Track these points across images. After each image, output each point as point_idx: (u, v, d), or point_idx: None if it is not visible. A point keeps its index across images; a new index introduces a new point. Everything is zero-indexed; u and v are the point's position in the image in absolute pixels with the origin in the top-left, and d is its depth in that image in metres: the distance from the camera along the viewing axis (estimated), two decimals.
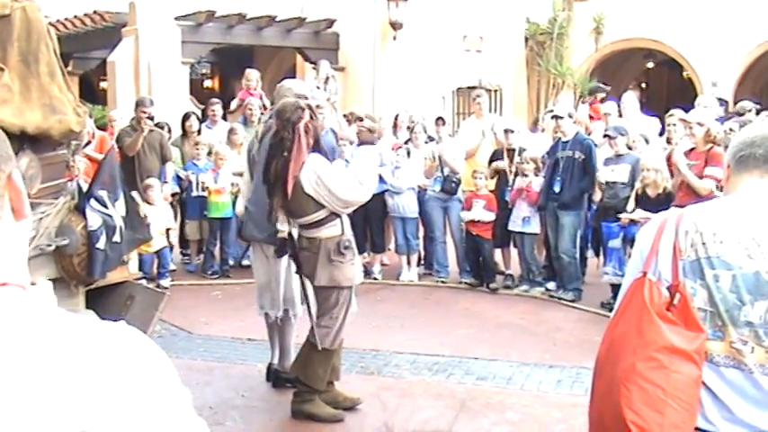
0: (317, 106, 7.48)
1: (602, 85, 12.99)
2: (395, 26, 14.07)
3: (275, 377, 5.69)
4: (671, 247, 2.08)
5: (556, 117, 8.43)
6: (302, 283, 5.18)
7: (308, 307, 5.15)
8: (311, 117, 4.93)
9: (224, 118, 10.54)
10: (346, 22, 14.45)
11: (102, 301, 4.06)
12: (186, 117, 9.97)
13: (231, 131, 9.53)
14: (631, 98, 10.12)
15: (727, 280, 2.02)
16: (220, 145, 9.35)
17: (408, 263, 9.19)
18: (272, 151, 4.91)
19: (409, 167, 8.96)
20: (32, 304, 1.00)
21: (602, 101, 11.49)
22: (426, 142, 9.43)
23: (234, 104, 10.79)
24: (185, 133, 9.86)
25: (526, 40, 15.91)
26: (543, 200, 8.20)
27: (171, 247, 9.21)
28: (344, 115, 10.21)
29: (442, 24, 14.14)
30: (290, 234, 5.01)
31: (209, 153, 9.38)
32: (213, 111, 10.29)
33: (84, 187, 3.98)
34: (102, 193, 3.80)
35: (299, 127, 4.82)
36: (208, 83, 19.58)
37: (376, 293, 8.56)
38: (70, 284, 3.79)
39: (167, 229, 8.76)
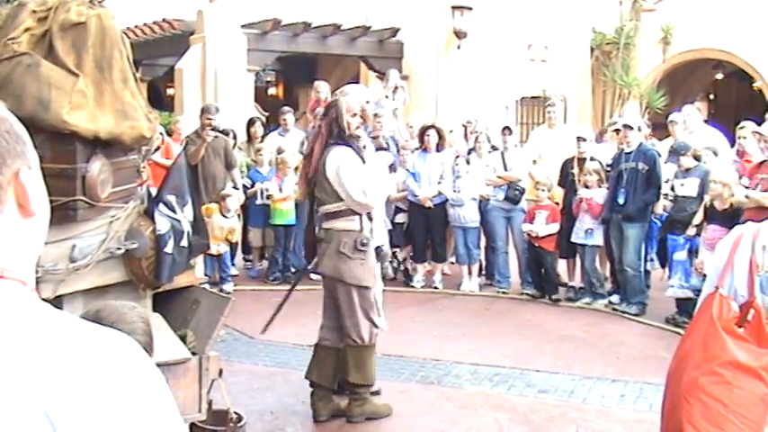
0: (375, 115, 7.53)
1: None
2: (459, 35, 14.04)
3: None
4: (747, 262, 2.03)
5: (625, 127, 8.26)
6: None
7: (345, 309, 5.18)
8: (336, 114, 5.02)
9: None
10: (411, 30, 14.47)
11: (169, 304, 4.12)
12: (251, 123, 10.08)
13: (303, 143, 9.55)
14: (692, 111, 9.78)
15: None
16: (287, 152, 9.38)
17: (469, 273, 9.13)
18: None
19: (470, 177, 8.91)
20: (29, 299, 1.03)
21: None
22: (489, 151, 9.38)
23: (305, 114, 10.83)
24: (250, 138, 9.96)
25: (592, 49, 15.71)
26: (607, 212, 8.07)
27: (233, 254, 9.28)
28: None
29: (507, 33, 14.05)
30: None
31: (274, 162, 9.40)
32: (285, 119, 10.27)
33: (154, 192, 4.06)
34: (171, 198, 3.86)
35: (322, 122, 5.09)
36: (272, 90, 19.76)
37: (436, 303, 8.53)
38: (138, 287, 3.86)
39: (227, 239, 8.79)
